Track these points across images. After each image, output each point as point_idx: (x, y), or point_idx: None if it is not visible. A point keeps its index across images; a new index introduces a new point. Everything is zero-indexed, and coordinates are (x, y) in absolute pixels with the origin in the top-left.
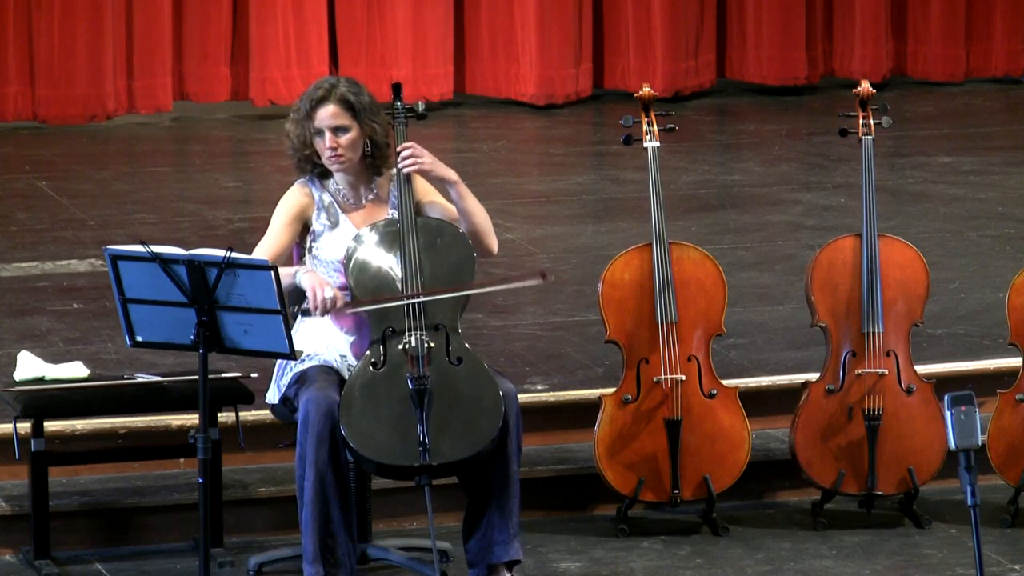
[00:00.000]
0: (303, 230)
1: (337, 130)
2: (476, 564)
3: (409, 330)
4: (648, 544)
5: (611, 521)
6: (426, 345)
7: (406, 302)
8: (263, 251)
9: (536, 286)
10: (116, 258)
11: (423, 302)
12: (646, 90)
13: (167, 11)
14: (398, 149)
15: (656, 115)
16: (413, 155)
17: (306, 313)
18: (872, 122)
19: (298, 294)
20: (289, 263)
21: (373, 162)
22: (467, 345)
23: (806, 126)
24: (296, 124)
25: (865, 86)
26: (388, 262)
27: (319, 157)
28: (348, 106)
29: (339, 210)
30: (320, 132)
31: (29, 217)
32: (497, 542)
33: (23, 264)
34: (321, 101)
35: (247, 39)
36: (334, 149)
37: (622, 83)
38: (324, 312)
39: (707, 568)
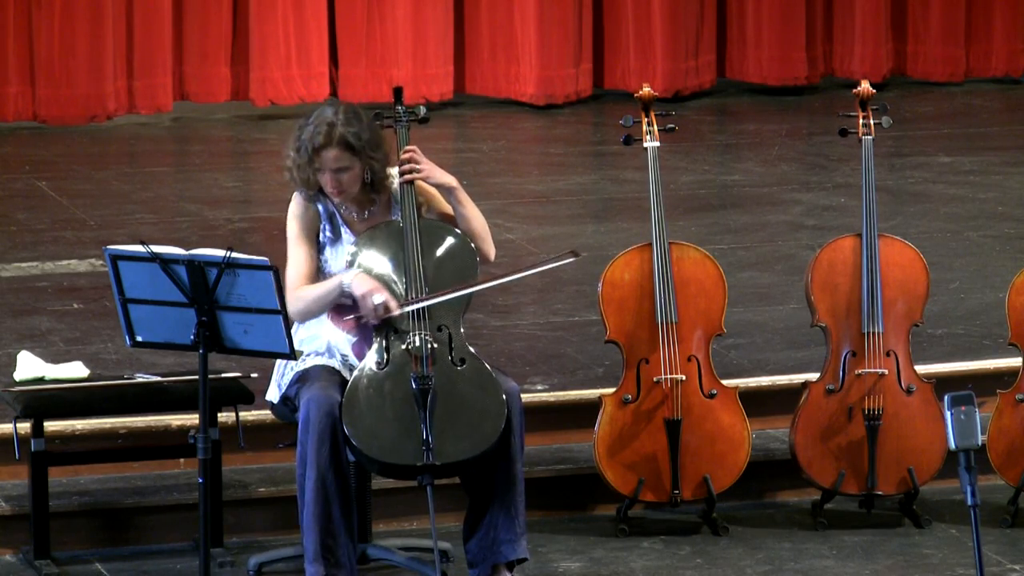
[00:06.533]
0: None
1: (339, 171)
2: (477, 564)
3: (413, 331)
4: (648, 544)
5: (611, 521)
6: (430, 345)
7: (447, 297)
8: (295, 277)
9: (567, 264)
10: (116, 258)
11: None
12: (646, 90)
13: (167, 11)
14: (400, 154)
15: (656, 115)
16: (411, 166)
17: (357, 318)
18: (872, 122)
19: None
20: (320, 278)
21: (372, 188)
22: (469, 346)
23: (806, 126)
24: (300, 169)
25: (865, 86)
26: (391, 266)
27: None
28: (348, 147)
29: (341, 221)
30: (322, 170)
31: (29, 217)
32: (504, 541)
33: (23, 264)
34: (323, 148)
35: (247, 39)
36: (336, 186)
37: (622, 83)
38: (378, 319)
39: (707, 568)
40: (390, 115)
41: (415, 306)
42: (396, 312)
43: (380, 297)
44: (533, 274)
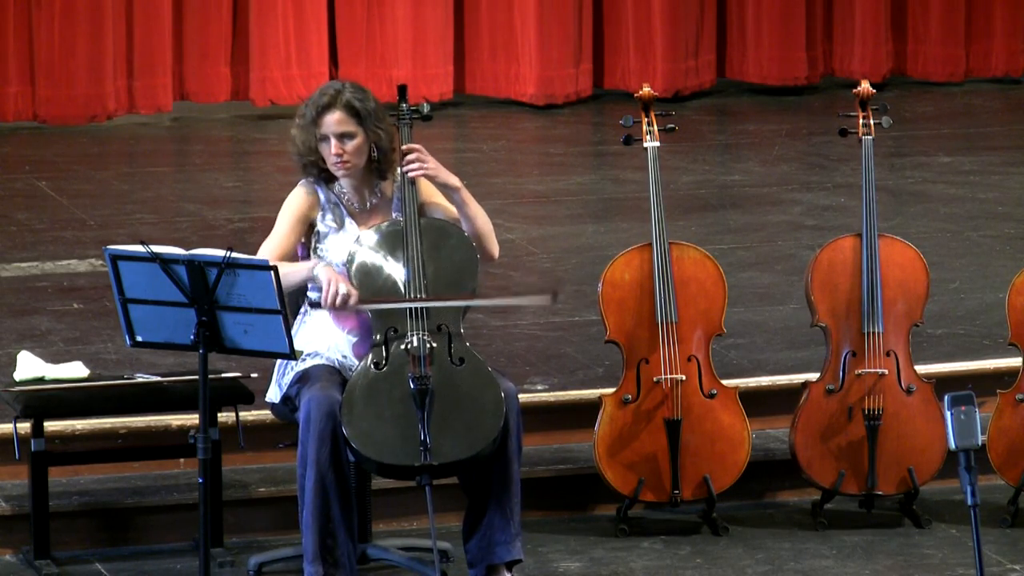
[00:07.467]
0: (308, 230)
1: (343, 137)
2: (476, 564)
3: (411, 330)
4: (648, 544)
5: (611, 521)
6: (428, 345)
7: (419, 304)
8: (268, 251)
9: (544, 305)
10: (116, 258)
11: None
12: (646, 90)
13: (167, 11)
14: (403, 149)
15: (656, 115)
16: (418, 159)
17: (315, 305)
18: (872, 122)
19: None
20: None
21: (378, 167)
22: (469, 346)
23: (806, 126)
24: (302, 130)
25: (865, 86)
26: (390, 264)
27: (324, 162)
28: (354, 112)
29: (344, 212)
30: (326, 138)
31: (29, 217)
32: (499, 542)
33: (23, 264)
34: (327, 108)
35: (247, 39)
36: (339, 155)
37: (622, 83)
38: (334, 307)
39: (707, 568)
40: (393, 113)
41: (378, 306)
42: (352, 305)
43: (344, 288)
44: (509, 304)
